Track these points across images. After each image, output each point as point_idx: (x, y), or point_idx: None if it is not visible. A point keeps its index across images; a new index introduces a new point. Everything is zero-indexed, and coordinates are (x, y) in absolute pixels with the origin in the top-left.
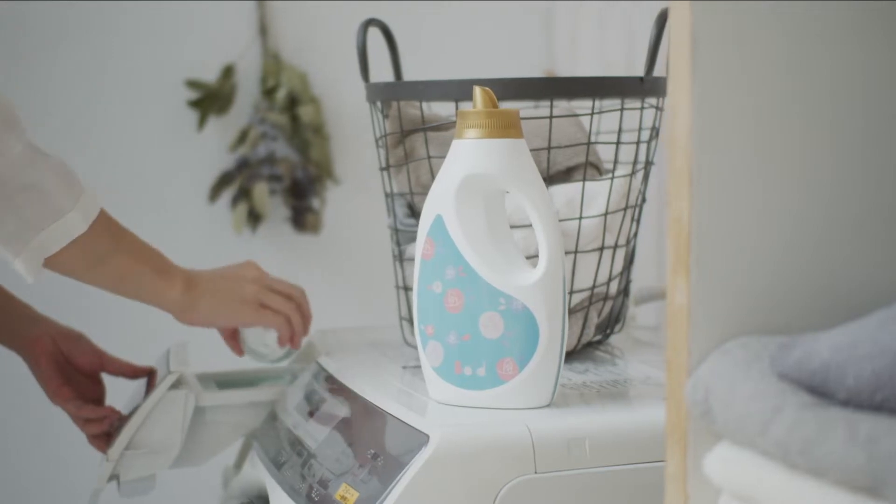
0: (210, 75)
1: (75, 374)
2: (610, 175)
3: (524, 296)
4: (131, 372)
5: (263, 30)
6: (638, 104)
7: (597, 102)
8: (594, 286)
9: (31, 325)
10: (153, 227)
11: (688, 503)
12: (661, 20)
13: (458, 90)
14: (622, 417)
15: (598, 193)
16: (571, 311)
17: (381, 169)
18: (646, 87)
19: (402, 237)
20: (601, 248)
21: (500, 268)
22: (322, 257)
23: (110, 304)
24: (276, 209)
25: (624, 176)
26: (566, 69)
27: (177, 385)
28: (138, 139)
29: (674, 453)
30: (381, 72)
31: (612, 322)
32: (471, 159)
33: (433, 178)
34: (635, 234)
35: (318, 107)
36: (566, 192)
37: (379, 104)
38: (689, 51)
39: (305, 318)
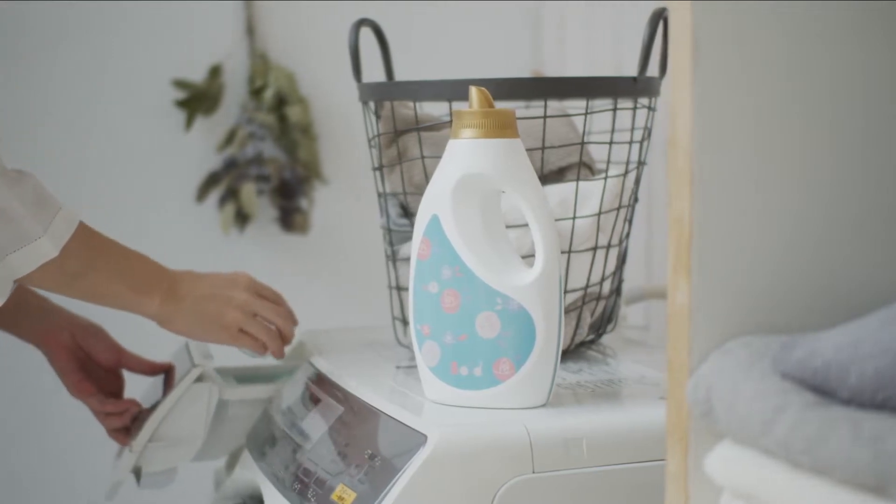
0: (197, 75)
1: (95, 369)
2: (603, 175)
3: (521, 296)
4: (150, 369)
5: (251, 30)
6: (630, 104)
7: (589, 103)
8: (587, 286)
9: (48, 319)
10: (140, 228)
11: (688, 502)
12: (655, 20)
13: (452, 90)
14: (619, 417)
15: (591, 193)
16: (565, 311)
17: (374, 169)
18: (639, 87)
19: (395, 237)
20: (594, 248)
21: (497, 268)
22: (310, 258)
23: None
24: (263, 209)
25: (617, 176)
26: (554, 69)
27: (201, 379)
28: (125, 139)
29: (674, 453)
30: (370, 72)
31: (604, 322)
32: (467, 159)
33: (426, 177)
34: (628, 234)
35: (305, 107)
36: (559, 192)
37: (372, 104)
38: (689, 51)
39: (285, 340)
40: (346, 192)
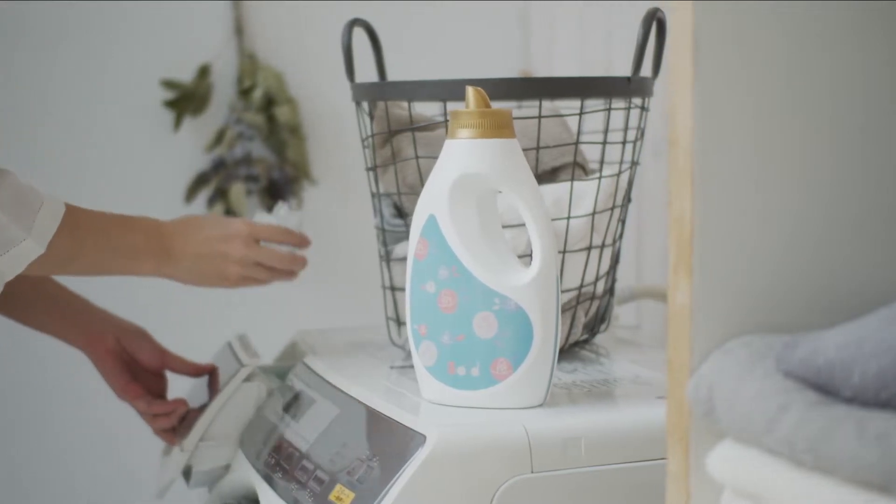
0: (186, 75)
1: (140, 371)
2: (596, 175)
3: (518, 296)
4: (194, 370)
5: (239, 30)
6: (623, 104)
7: (582, 103)
8: (581, 286)
9: (93, 322)
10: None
11: (690, 502)
12: (649, 20)
13: (447, 90)
14: (616, 417)
15: (585, 193)
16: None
17: (368, 169)
18: (633, 87)
19: (389, 237)
20: (588, 248)
21: (494, 268)
22: None
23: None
24: (252, 210)
25: (611, 176)
26: (542, 69)
27: (249, 378)
28: (114, 139)
29: (675, 452)
30: (359, 72)
31: (597, 321)
32: (464, 159)
33: (421, 177)
34: (621, 235)
35: (294, 107)
36: (553, 191)
37: (365, 104)
38: (690, 51)
39: (292, 274)
40: (335, 193)
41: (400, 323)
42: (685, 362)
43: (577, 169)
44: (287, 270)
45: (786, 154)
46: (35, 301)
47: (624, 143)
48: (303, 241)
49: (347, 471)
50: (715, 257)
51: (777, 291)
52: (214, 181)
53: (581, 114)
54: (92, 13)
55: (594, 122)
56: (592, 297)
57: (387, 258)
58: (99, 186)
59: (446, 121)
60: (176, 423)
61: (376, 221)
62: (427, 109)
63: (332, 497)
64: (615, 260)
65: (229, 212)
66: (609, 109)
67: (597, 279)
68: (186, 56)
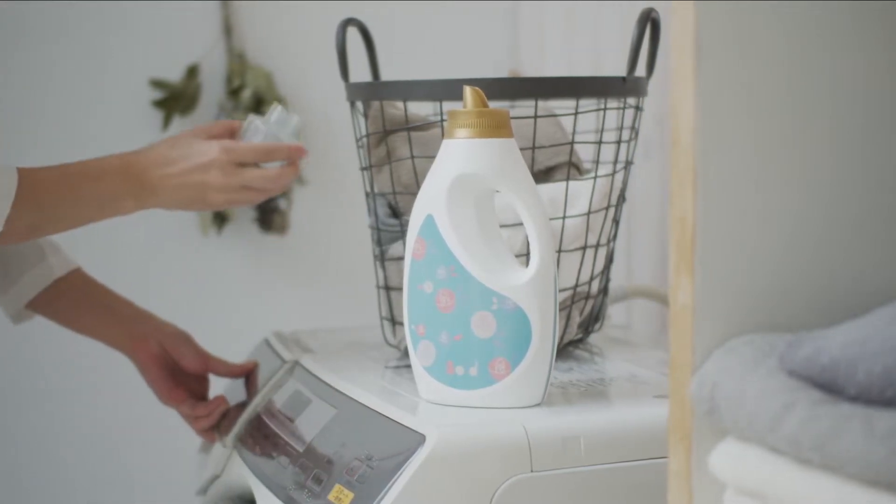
0: (174, 75)
1: (183, 374)
2: (591, 175)
3: (517, 295)
4: (237, 371)
5: (228, 29)
6: (618, 104)
7: (576, 102)
8: (577, 285)
9: (137, 327)
10: (118, 228)
11: (692, 501)
12: (643, 21)
13: (443, 90)
14: (615, 416)
15: (580, 193)
16: None
17: (362, 169)
18: (628, 87)
19: (384, 237)
20: (584, 248)
21: (492, 267)
22: (289, 258)
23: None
24: (242, 210)
25: (606, 175)
26: (532, 69)
27: (290, 372)
28: (103, 139)
29: (677, 451)
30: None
31: (592, 320)
32: (462, 159)
33: (416, 177)
34: (615, 234)
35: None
36: (548, 191)
37: (359, 104)
38: (692, 51)
39: (283, 188)
40: (325, 193)
41: (395, 323)
42: (687, 361)
43: (572, 169)
44: (277, 187)
45: (787, 154)
46: (80, 304)
47: (619, 142)
48: (294, 153)
49: (346, 471)
50: (716, 257)
51: (778, 291)
52: None
53: (576, 114)
54: (80, 13)
55: (586, 121)
56: (587, 297)
57: (381, 258)
58: None
59: (442, 120)
60: (216, 422)
61: (371, 221)
62: (420, 109)
63: (331, 497)
64: (609, 259)
65: (219, 212)
66: (605, 109)
67: (591, 278)
68: (175, 56)
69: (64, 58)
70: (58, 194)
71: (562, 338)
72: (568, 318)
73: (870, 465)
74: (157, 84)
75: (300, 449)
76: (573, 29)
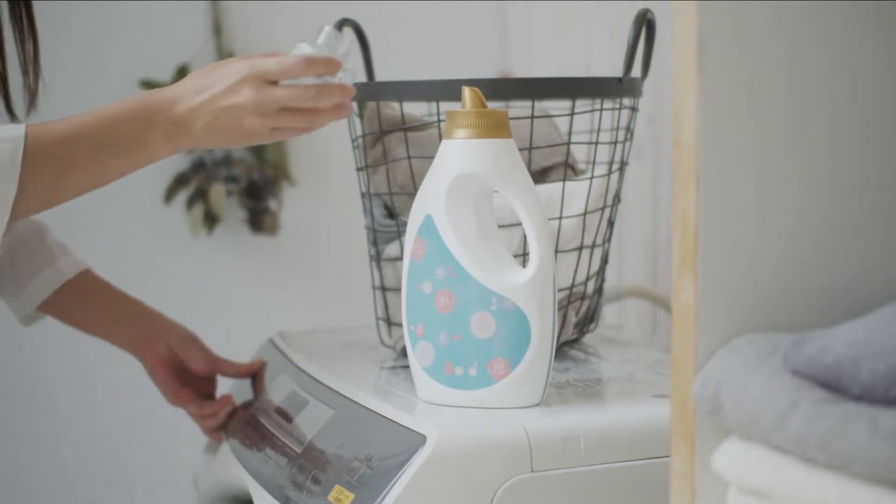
0: (164, 75)
1: (191, 375)
2: (586, 175)
3: (516, 295)
4: (245, 372)
5: (217, 30)
6: (613, 105)
7: (569, 103)
8: (573, 285)
9: (145, 328)
10: (108, 229)
11: (695, 500)
12: (639, 21)
13: (440, 90)
14: (614, 415)
15: (576, 194)
16: None
17: (358, 169)
18: (624, 87)
19: (380, 238)
20: (580, 248)
21: (492, 268)
22: (279, 259)
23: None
24: (232, 211)
25: (602, 176)
26: (522, 69)
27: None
28: None
29: (680, 450)
30: None
31: (587, 321)
32: (461, 159)
33: (413, 177)
34: (610, 235)
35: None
36: (544, 192)
37: (354, 104)
38: (695, 52)
39: (341, 112)
40: (315, 193)
41: (391, 323)
42: (690, 361)
43: (568, 169)
44: (333, 106)
45: (787, 154)
46: (88, 306)
47: (615, 143)
48: (333, 66)
49: (346, 471)
50: (718, 257)
51: (780, 290)
52: (194, 182)
53: (573, 114)
54: (69, 13)
55: (580, 122)
56: (583, 297)
57: (377, 259)
58: None
59: (439, 121)
60: (223, 421)
61: (367, 222)
62: (415, 109)
63: (330, 498)
64: (604, 260)
65: (209, 213)
66: (601, 110)
67: (587, 279)
68: (165, 56)
69: (53, 58)
70: (76, 144)
71: (558, 338)
72: (564, 318)
73: (875, 463)
74: (147, 84)
75: (298, 450)
76: (563, 30)
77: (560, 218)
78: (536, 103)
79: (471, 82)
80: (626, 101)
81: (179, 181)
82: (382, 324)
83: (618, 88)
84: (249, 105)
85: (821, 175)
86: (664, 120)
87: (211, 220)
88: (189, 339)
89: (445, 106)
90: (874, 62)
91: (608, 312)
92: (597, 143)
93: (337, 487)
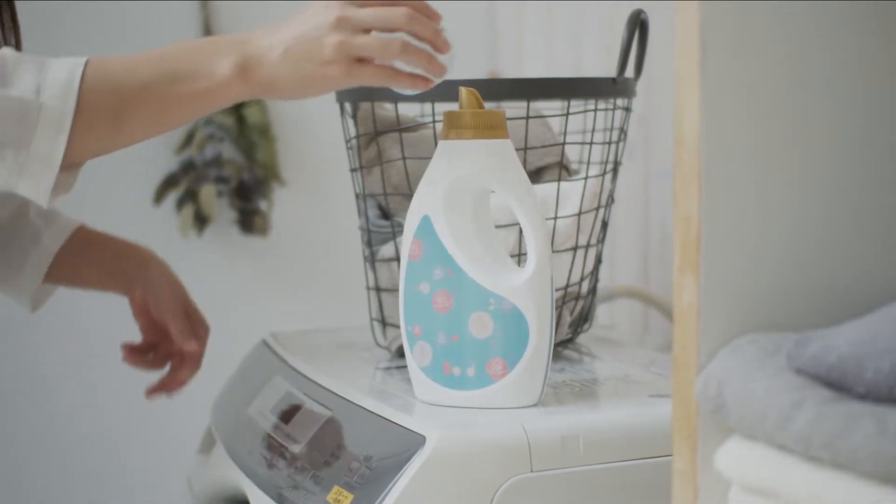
0: None
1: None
2: (580, 175)
3: (514, 296)
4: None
5: (207, 30)
6: (606, 105)
7: (563, 103)
8: (567, 285)
9: (129, 272)
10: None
11: (697, 499)
12: (633, 22)
13: (435, 91)
14: (612, 415)
15: (570, 194)
16: None
17: (352, 170)
18: (618, 88)
19: (375, 238)
20: (574, 248)
21: (489, 268)
22: (270, 259)
23: None
24: (222, 212)
25: (596, 176)
26: (511, 70)
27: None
28: None
29: (682, 449)
30: None
31: (581, 321)
32: (459, 160)
33: (408, 178)
34: (604, 235)
35: (263, 108)
36: (539, 192)
37: (348, 105)
38: (697, 52)
39: (439, 44)
40: (305, 194)
41: (385, 324)
42: (692, 361)
43: (561, 170)
44: (437, 44)
45: (788, 153)
46: (82, 263)
47: (609, 143)
48: (437, 18)
49: (345, 472)
50: (720, 257)
51: (781, 290)
52: (184, 183)
53: (567, 115)
54: (58, 14)
55: (573, 122)
56: (577, 297)
57: (372, 259)
58: None
59: (434, 121)
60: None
61: (361, 223)
62: (408, 110)
63: (329, 498)
64: (598, 260)
65: (199, 214)
66: (595, 110)
67: (582, 279)
68: None
69: None
70: (137, 70)
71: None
72: (559, 318)
73: (881, 462)
74: None
75: (295, 450)
76: (552, 30)
77: (555, 218)
78: (530, 104)
79: (466, 83)
80: (620, 102)
81: (169, 182)
82: (377, 325)
83: (612, 89)
84: (328, 20)
85: (821, 175)
86: (654, 120)
87: (201, 220)
88: (160, 289)
89: (440, 106)
90: (874, 62)
91: (599, 313)
92: (591, 143)
93: (336, 488)
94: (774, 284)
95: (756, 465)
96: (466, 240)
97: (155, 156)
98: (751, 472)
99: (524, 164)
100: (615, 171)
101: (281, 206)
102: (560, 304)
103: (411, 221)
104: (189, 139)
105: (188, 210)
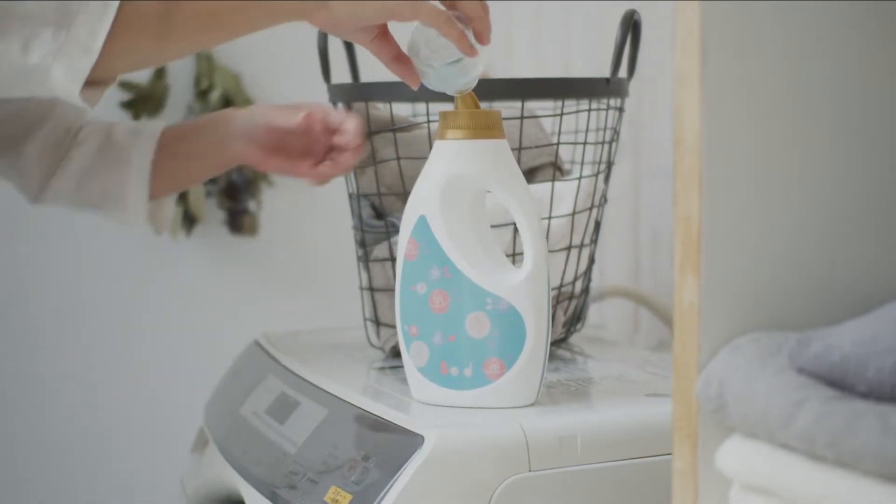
0: (142, 76)
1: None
2: (573, 175)
3: (510, 295)
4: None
5: None
6: (599, 105)
7: (556, 103)
8: (561, 285)
9: (219, 147)
10: (86, 231)
11: (697, 498)
12: (627, 22)
13: (429, 91)
14: (609, 414)
15: (564, 194)
16: None
17: None
18: (612, 88)
19: (368, 238)
20: (568, 248)
21: (486, 268)
22: (259, 259)
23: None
24: (211, 212)
25: (590, 176)
26: (500, 70)
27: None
28: None
29: (682, 449)
30: (315, 72)
31: (574, 320)
32: (455, 160)
33: (401, 178)
34: (596, 236)
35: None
36: (533, 192)
37: (340, 105)
38: (697, 51)
39: (482, 30)
40: (293, 193)
41: (379, 324)
42: (693, 360)
43: (555, 169)
44: (481, 28)
45: (788, 153)
46: (173, 162)
47: (603, 143)
48: None
49: (342, 472)
50: (721, 256)
51: (782, 289)
52: None
53: (562, 115)
54: None
55: (565, 123)
56: (571, 297)
57: (365, 259)
58: None
59: (428, 121)
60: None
61: (354, 222)
62: (400, 110)
63: (326, 498)
64: (591, 260)
65: (187, 214)
66: (589, 110)
67: (575, 279)
68: None
69: None
70: None
71: None
72: (553, 317)
73: (884, 460)
74: (125, 85)
75: (291, 450)
76: (541, 30)
77: (549, 218)
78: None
79: None
80: (613, 102)
81: None
82: (370, 324)
83: (605, 89)
84: None
85: (821, 175)
86: (644, 120)
87: (190, 221)
88: (256, 115)
89: (434, 106)
90: (874, 62)
91: (589, 312)
92: (585, 143)
93: (333, 488)
94: (775, 284)
95: (757, 464)
96: (463, 239)
97: None
98: (752, 470)
99: (518, 164)
100: (608, 171)
101: (269, 206)
102: (554, 304)
103: (407, 221)
104: None
105: (177, 210)
